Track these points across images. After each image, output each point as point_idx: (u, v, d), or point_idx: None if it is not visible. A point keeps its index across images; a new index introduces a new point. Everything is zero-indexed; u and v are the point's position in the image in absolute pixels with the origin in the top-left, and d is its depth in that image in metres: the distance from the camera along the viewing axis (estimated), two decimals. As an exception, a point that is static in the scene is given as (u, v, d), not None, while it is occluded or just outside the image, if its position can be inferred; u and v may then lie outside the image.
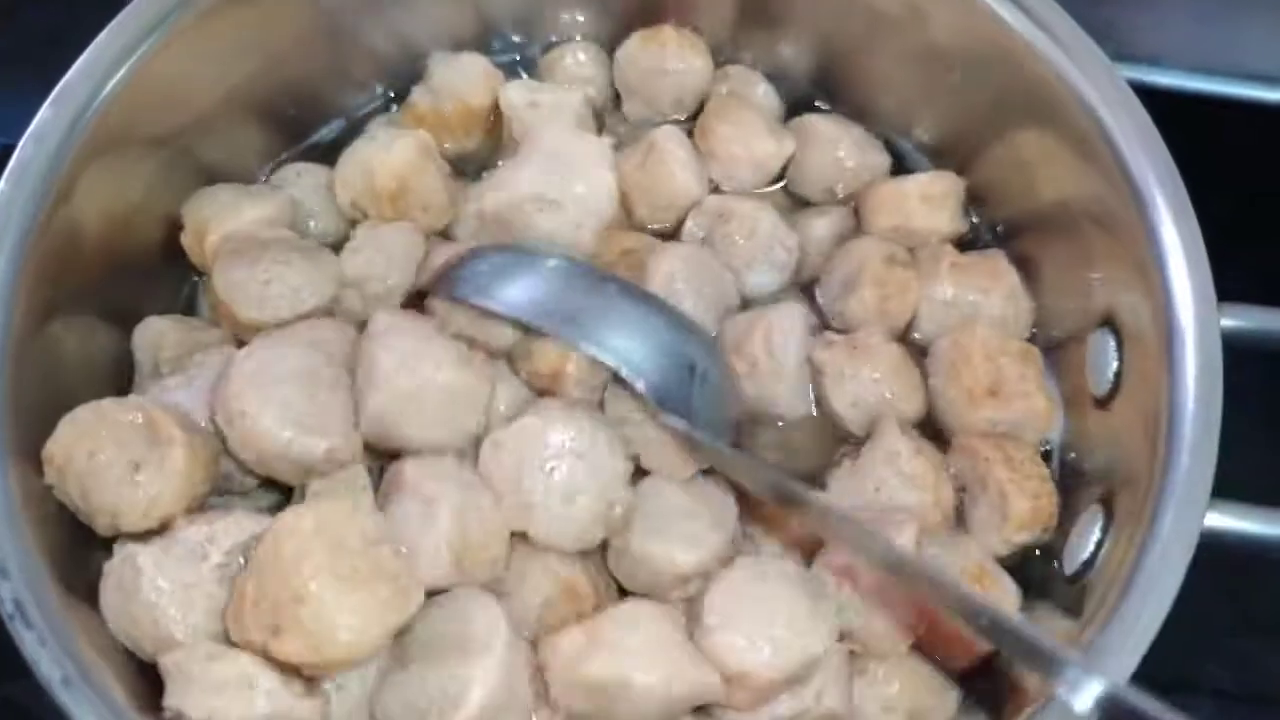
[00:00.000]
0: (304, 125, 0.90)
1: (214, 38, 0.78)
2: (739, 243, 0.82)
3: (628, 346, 0.70)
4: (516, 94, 0.85)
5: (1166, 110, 0.72)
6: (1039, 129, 0.78)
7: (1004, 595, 0.70)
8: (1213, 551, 0.63)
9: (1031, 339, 0.81)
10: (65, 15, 0.99)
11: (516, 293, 0.71)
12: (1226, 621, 0.87)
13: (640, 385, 0.69)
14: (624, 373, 0.69)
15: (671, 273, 0.77)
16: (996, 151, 0.83)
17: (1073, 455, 0.77)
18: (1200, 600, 0.84)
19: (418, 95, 0.87)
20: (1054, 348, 0.80)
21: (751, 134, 0.86)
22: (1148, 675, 0.84)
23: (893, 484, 0.72)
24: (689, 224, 0.84)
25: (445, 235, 0.83)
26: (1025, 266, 0.82)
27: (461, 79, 0.86)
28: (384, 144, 0.80)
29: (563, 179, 0.76)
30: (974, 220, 0.87)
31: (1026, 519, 0.71)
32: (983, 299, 0.80)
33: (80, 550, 0.67)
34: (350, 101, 0.91)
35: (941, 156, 0.88)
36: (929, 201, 0.84)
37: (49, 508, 0.66)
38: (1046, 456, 0.77)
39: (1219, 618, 0.87)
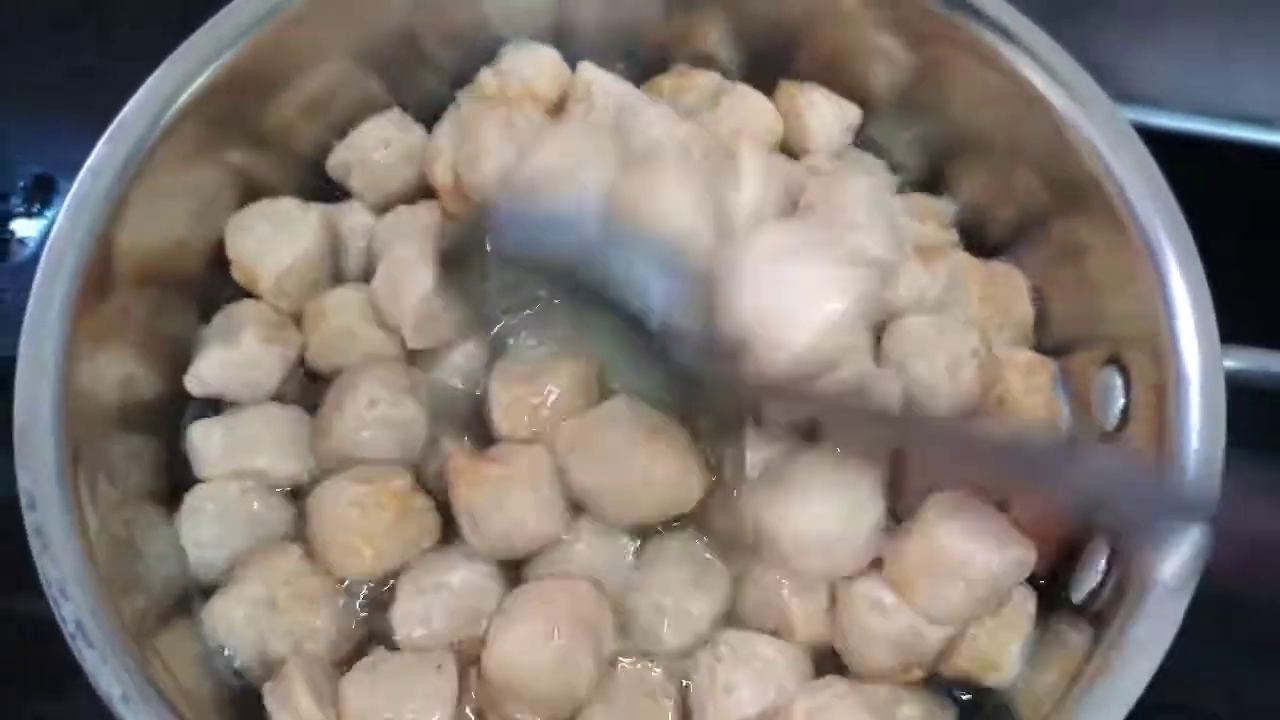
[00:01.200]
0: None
1: (269, 69, 0.80)
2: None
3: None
4: (597, 73, 0.87)
5: (1165, 152, 0.75)
6: (1041, 172, 0.81)
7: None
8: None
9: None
10: (98, 50, 1.02)
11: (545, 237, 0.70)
12: (1223, 651, 0.89)
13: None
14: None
15: None
16: (994, 186, 0.87)
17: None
18: (1196, 629, 0.87)
19: (485, 76, 0.89)
20: (1064, 375, 0.82)
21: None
22: (1146, 699, 0.88)
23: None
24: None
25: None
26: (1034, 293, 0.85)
27: (531, 65, 0.88)
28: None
29: None
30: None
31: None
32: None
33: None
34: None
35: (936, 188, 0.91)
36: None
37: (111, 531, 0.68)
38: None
39: (1215, 646, 0.89)
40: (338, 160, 0.88)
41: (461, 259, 0.73)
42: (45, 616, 0.63)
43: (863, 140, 0.92)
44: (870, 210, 0.80)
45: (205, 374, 0.78)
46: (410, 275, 0.77)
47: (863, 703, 0.68)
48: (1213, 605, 0.85)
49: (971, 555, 0.68)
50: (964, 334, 0.79)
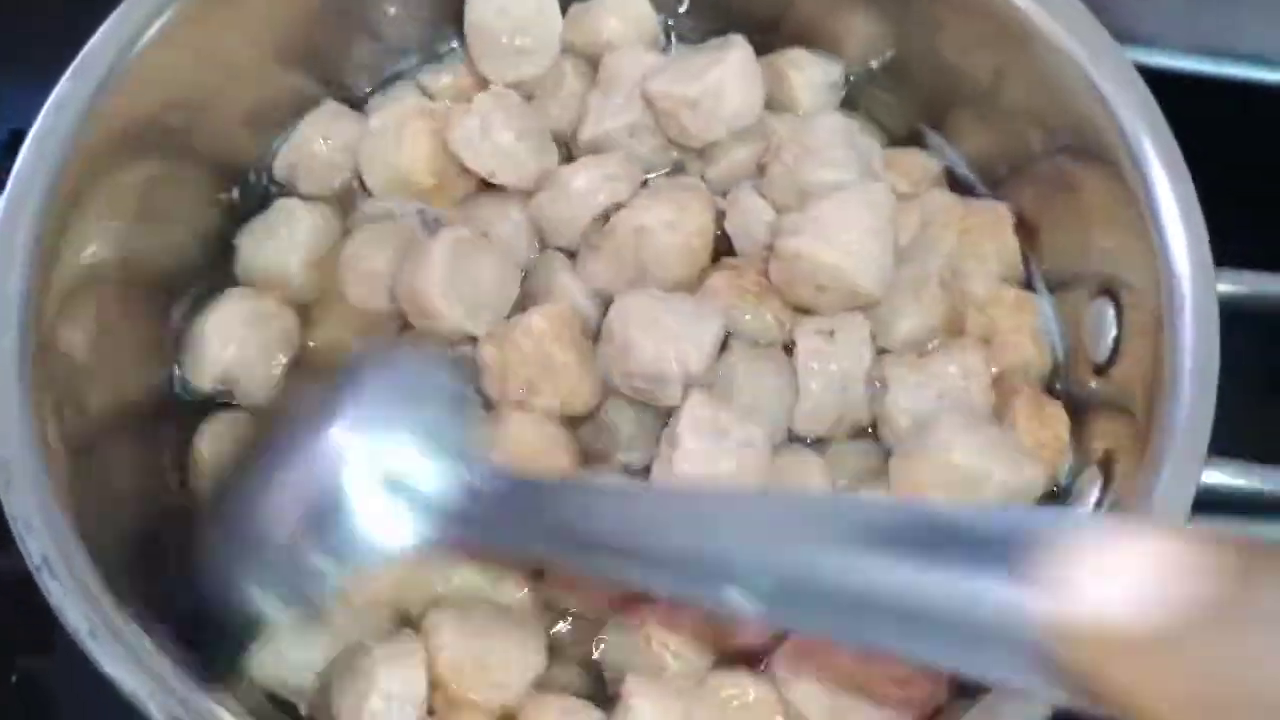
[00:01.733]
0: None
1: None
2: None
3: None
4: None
5: (1162, 90, 0.74)
6: (1034, 109, 0.80)
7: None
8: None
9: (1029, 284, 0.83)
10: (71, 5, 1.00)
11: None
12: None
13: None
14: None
15: None
16: (986, 128, 0.85)
17: (1076, 409, 0.78)
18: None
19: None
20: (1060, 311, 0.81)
21: None
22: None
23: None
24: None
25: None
26: (1024, 225, 0.83)
27: None
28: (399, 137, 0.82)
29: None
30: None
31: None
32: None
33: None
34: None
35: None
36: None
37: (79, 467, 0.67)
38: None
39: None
40: (283, 164, 0.87)
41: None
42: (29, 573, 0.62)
43: (850, 101, 0.91)
44: (843, 147, 0.79)
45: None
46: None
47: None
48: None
49: (989, 472, 0.67)
50: (925, 260, 0.78)
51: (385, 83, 0.92)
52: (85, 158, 0.71)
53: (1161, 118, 0.73)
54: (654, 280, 0.78)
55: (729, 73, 0.80)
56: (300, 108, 0.88)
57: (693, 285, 0.79)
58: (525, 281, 0.81)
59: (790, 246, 0.74)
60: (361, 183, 0.86)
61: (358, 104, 0.90)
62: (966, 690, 0.62)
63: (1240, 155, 0.91)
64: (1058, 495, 0.75)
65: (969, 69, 0.84)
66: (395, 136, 0.82)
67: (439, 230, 0.78)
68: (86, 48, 0.73)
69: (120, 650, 0.60)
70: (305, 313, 0.83)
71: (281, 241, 0.82)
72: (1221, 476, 0.64)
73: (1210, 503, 0.64)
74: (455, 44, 0.91)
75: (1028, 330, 0.79)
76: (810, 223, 0.73)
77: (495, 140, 0.80)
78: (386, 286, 0.79)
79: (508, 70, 0.86)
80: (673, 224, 0.77)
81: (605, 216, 0.79)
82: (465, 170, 0.82)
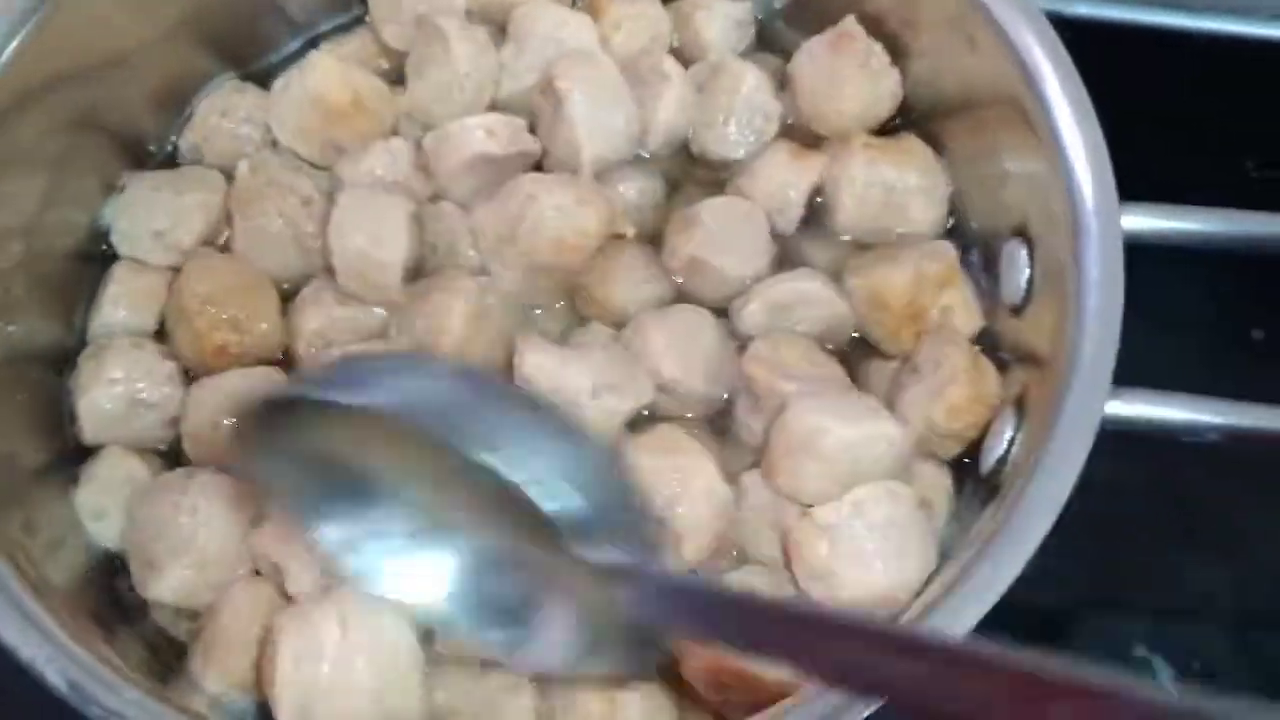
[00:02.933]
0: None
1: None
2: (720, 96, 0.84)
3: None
4: None
5: (1075, 38, 0.74)
6: (942, 38, 0.80)
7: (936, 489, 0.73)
8: (1144, 460, 0.64)
9: (951, 233, 0.83)
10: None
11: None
12: (1160, 533, 0.89)
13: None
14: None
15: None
16: (900, 55, 0.85)
17: (997, 355, 0.78)
18: (1132, 512, 0.86)
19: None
20: (977, 251, 0.81)
21: None
22: (1084, 589, 0.87)
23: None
24: (690, 70, 0.85)
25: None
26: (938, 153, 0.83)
27: None
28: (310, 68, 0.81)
29: None
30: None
31: (960, 407, 0.72)
32: (898, 174, 0.81)
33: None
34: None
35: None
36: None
37: None
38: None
39: (1152, 529, 0.89)
40: (187, 145, 0.87)
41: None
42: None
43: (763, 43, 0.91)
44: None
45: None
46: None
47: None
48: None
49: (824, 428, 0.67)
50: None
51: (288, 59, 0.90)
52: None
53: (1068, 58, 0.73)
54: (519, 252, 0.77)
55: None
56: (201, 86, 0.87)
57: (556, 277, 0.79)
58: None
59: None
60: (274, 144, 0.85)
61: (261, 80, 0.89)
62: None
63: (1151, 101, 0.91)
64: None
65: (876, 9, 0.84)
66: (301, 71, 0.81)
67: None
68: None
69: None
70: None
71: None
72: (1125, 407, 0.64)
73: (1116, 433, 0.63)
74: (360, 11, 0.90)
75: (956, 297, 0.78)
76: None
77: None
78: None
79: (411, 36, 0.85)
80: (562, 210, 0.76)
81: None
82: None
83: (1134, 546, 0.88)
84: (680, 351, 0.75)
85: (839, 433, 0.68)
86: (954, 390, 0.72)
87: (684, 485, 0.69)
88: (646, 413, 0.76)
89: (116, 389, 0.75)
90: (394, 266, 0.76)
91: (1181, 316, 0.90)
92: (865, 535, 0.66)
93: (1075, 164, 0.70)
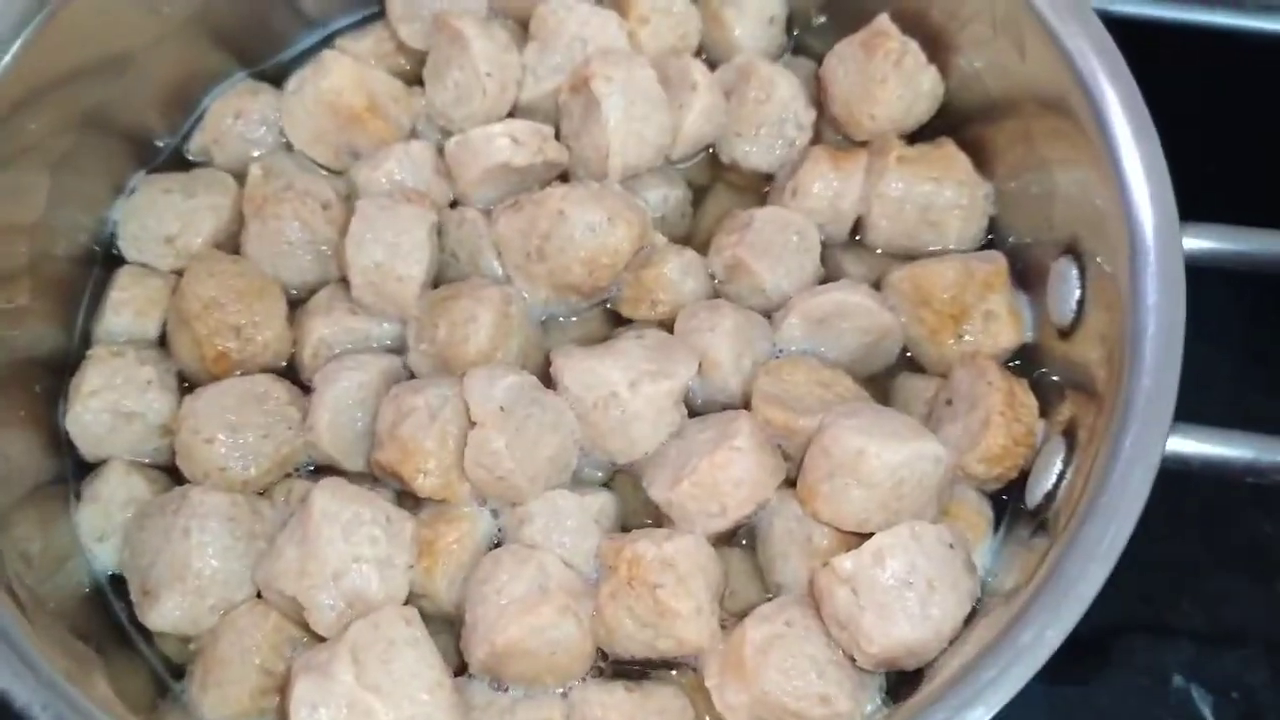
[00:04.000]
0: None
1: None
2: (751, 105, 0.81)
3: None
4: None
5: (1126, 36, 0.70)
6: (988, 54, 0.77)
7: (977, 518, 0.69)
8: (1182, 487, 0.61)
9: (986, 248, 0.79)
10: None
11: None
12: (1200, 561, 0.86)
13: None
14: None
15: None
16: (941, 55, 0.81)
17: (1041, 377, 0.74)
18: (1172, 539, 0.83)
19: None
20: (1019, 269, 0.77)
21: None
22: (1122, 617, 0.84)
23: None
24: (717, 74, 0.82)
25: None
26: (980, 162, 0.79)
27: None
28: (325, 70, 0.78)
29: None
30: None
31: (996, 455, 0.69)
32: (935, 189, 0.77)
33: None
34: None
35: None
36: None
37: None
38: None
39: (1192, 557, 0.85)
40: (197, 145, 0.84)
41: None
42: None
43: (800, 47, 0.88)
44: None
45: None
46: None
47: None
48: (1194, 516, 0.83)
49: (866, 451, 0.64)
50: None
51: (301, 56, 0.87)
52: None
53: (1124, 65, 0.69)
54: (548, 270, 0.74)
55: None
56: (211, 84, 0.84)
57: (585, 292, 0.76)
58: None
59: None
60: (287, 146, 0.82)
61: (273, 78, 0.86)
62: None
63: (1209, 106, 0.87)
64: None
65: (915, 4, 0.80)
66: (314, 71, 0.78)
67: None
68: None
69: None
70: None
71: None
72: (1188, 444, 0.60)
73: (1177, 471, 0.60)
74: (377, 8, 0.86)
75: (1001, 301, 0.74)
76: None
77: None
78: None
79: (429, 35, 0.81)
80: (594, 228, 0.72)
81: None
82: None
83: (1173, 575, 0.85)
84: (734, 342, 0.73)
85: (883, 455, 0.64)
86: (990, 438, 0.69)
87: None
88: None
89: (95, 401, 0.72)
90: (413, 281, 0.73)
91: (1242, 345, 0.86)
92: (888, 587, 0.62)
93: (1132, 180, 0.66)
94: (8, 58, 0.69)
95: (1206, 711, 0.82)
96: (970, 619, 0.64)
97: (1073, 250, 0.71)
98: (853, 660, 0.64)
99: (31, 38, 0.70)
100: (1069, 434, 0.67)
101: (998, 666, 0.56)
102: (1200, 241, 0.65)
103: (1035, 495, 0.68)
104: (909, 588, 0.62)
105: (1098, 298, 0.68)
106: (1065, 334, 0.71)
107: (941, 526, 0.64)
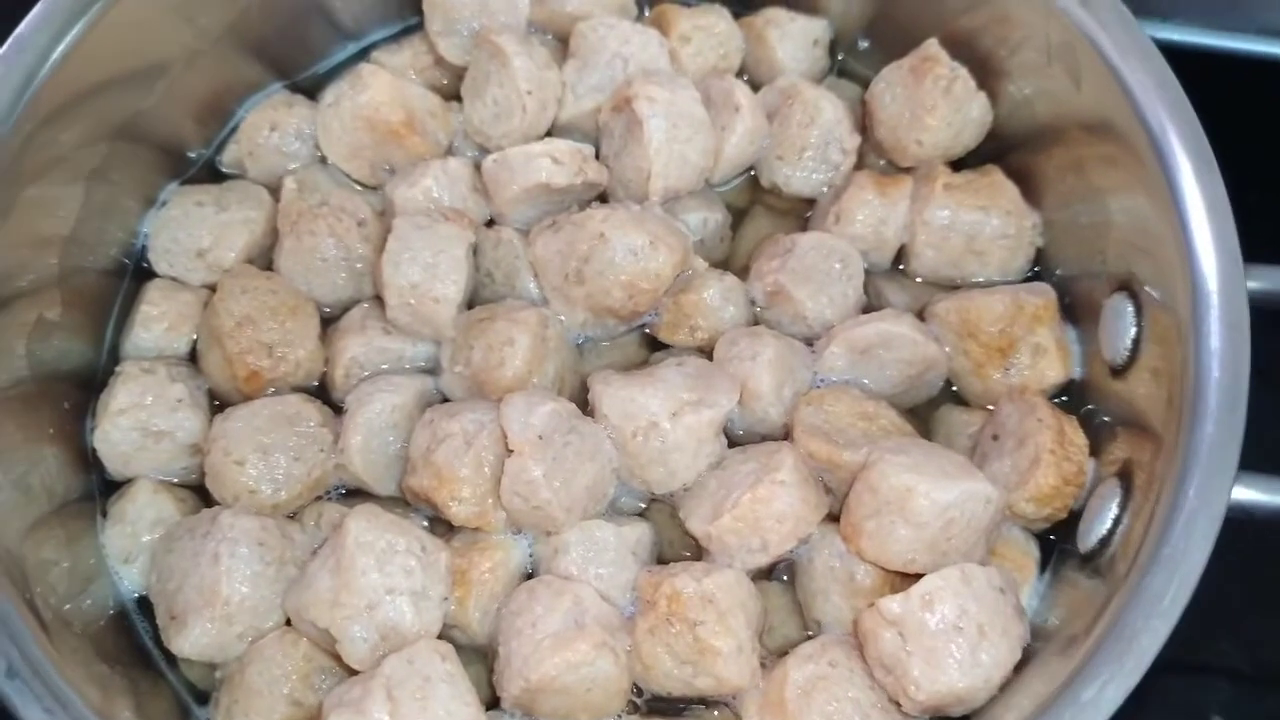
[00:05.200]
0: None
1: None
2: (795, 128, 0.79)
3: None
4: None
5: (1185, 67, 0.68)
6: (1044, 83, 0.74)
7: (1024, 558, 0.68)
8: (1231, 527, 0.59)
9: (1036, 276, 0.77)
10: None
11: None
12: (1239, 600, 0.84)
13: None
14: None
15: None
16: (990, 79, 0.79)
17: (1090, 415, 0.72)
18: (1211, 578, 0.81)
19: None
20: (1066, 302, 0.75)
21: None
22: (1160, 656, 0.82)
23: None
24: (760, 95, 0.81)
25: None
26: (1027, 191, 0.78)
27: None
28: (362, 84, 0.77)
29: None
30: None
31: (1046, 495, 0.67)
32: (982, 218, 0.76)
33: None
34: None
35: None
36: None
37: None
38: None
39: (1231, 597, 0.83)
40: (230, 157, 0.83)
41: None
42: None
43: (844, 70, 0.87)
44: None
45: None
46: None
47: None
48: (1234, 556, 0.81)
49: (914, 489, 0.62)
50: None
51: (338, 68, 0.86)
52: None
53: (1185, 98, 0.67)
54: (587, 293, 0.73)
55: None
56: (246, 95, 0.82)
57: (624, 316, 0.74)
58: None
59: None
60: (322, 160, 0.81)
61: (309, 90, 0.84)
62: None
63: (1264, 135, 0.85)
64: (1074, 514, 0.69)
65: (966, 28, 0.78)
66: (352, 85, 0.77)
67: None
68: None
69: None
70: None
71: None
72: (1254, 493, 0.58)
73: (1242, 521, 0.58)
74: (415, 20, 0.85)
75: (1048, 335, 0.73)
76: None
77: None
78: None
79: (468, 50, 0.80)
80: (635, 252, 0.71)
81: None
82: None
83: (1212, 615, 0.83)
84: (775, 371, 0.71)
85: (933, 495, 0.62)
86: (1040, 476, 0.67)
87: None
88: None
89: (124, 419, 0.71)
90: (450, 303, 0.71)
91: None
92: (937, 632, 0.60)
93: (1194, 219, 0.64)
94: (44, 70, 0.68)
95: (1242, 749, 0.80)
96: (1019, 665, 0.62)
97: (1127, 287, 0.69)
98: (897, 705, 0.62)
99: (67, 50, 0.69)
100: (1124, 476, 0.66)
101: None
102: (1263, 284, 0.63)
103: (1089, 540, 0.66)
104: (959, 633, 0.60)
105: (1154, 336, 0.67)
106: (1118, 372, 0.69)
107: (992, 569, 0.63)
